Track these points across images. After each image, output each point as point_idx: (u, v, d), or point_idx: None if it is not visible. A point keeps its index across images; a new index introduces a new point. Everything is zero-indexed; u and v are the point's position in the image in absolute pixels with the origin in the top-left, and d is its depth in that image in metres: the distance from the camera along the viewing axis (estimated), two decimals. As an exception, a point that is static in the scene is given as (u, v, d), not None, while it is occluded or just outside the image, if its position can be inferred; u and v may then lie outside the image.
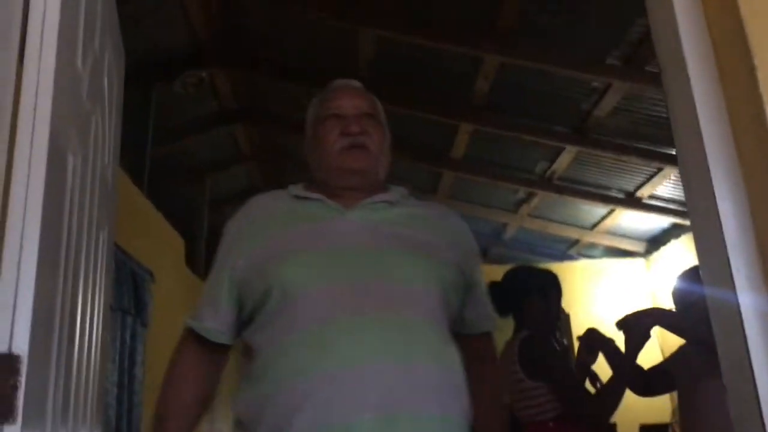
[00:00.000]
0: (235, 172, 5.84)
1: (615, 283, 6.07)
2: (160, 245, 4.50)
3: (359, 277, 1.16)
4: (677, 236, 5.52)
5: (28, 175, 1.01)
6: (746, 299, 0.86)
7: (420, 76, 4.31)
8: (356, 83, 1.43)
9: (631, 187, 5.05)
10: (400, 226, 1.26)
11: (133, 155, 4.44)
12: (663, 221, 5.43)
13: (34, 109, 1.00)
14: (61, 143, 1.11)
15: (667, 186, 4.88)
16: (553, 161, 4.82)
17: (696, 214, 0.97)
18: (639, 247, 6.03)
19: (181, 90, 4.51)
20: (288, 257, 1.19)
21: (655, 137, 4.29)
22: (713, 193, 0.90)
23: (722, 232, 0.88)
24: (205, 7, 3.96)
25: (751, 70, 0.86)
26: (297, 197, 1.30)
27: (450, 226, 1.35)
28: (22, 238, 0.99)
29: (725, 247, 0.88)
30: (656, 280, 5.90)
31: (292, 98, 4.61)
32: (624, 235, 5.88)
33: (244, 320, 1.26)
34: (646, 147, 4.42)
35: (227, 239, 1.31)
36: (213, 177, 5.60)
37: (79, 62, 1.25)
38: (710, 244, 0.92)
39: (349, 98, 1.36)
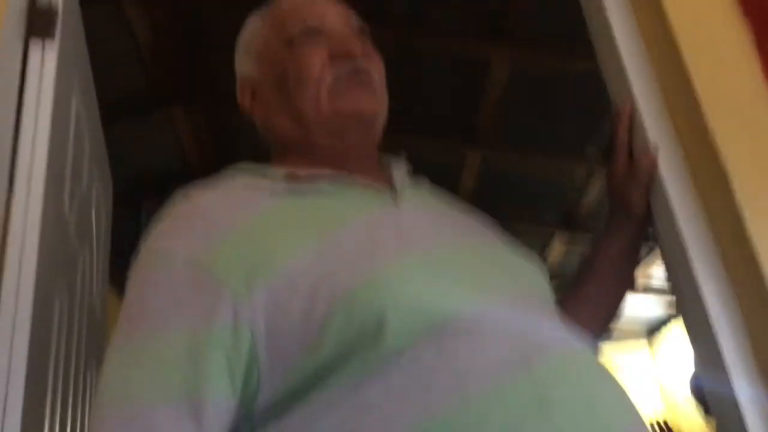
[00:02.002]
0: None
1: (619, 368, 5.95)
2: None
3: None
4: (677, 317, 5.48)
5: (14, 325, 0.99)
6: (744, 393, 0.84)
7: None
8: None
9: (625, 271, 5.04)
10: (458, 210, 0.89)
11: (123, 274, 4.44)
12: (661, 302, 5.40)
13: (20, 260, 1.00)
14: (47, 290, 1.10)
15: (660, 267, 4.88)
16: (545, 252, 4.83)
17: (684, 308, 0.96)
18: (641, 330, 5.96)
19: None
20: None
21: (642, 221, 4.34)
22: (698, 288, 0.89)
23: (711, 326, 0.88)
24: (195, 130, 4.07)
25: (721, 169, 0.89)
26: (293, 179, 0.77)
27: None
28: (7, 385, 0.97)
29: (717, 342, 0.87)
30: (660, 362, 5.80)
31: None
32: (624, 319, 5.83)
33: (266, 405, 0.65)
34: (635, 231, 4.45)
35: (185, 271, 0.67)
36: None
37: (66, 203, 1.27)
38: (702, 339, 0.91)
39: (332, 5, 0.88)
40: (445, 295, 0.66)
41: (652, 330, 5.91)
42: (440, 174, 4.31)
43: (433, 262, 0.71)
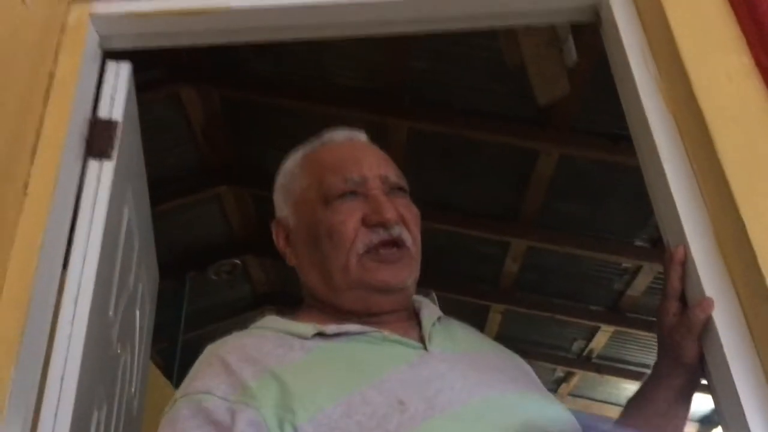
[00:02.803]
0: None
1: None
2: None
3: None
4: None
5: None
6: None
7: (449, 259, 4.36)
8: (364, 135, 0.96)
9: (673, 365, 4.87)
10: (489, 354, 0.88)
11: (166, 341, 4.48)
12: (711, 400, 5.14)
13: (62, 379, 1.01)
14: (87, 405, 1.10)
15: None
16: (589, 340, 4.70)
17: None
18: (691, 428, 5.67)
19: (214, 277, 4.62)
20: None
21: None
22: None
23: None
24: (241, 207, 4.17)
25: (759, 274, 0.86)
26: (322, 336, 0.78)
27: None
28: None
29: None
30: (713, 462, 5.47)
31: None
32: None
33: None
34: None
35: (222, 411, 0.68)
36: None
37: (111, 311, 1.28)
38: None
39: (372, 163, 0.87)
40: None
41: (703, 430, 5.61)
42: (484, 260, 4.25)
43: (459, 427, 0.71)
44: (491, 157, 3.44)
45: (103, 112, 1.21)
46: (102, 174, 1.16)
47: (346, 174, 0.85)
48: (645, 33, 1.13)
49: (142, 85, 1.52)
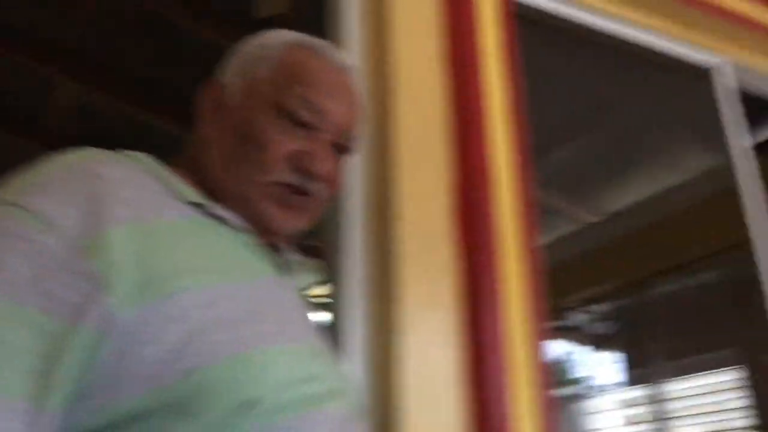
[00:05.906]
0: None
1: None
2: None
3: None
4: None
5: None
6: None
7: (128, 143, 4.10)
8: (349, 62, 0.85)
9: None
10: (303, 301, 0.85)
11: None
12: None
13: None
14: None
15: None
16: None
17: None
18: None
19: None
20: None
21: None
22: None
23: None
24: None
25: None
26: (200, 208, 0.71)
27: None
28: None
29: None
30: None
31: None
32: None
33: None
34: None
35: (67, 251, 0.56)
36: None
37: None
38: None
39: (343, 110, 0.79)
40: (310, 387, 0.66)
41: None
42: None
43: (300, 357, 0.69)
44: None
45: None
46: None
47: (313, 98, 0.76)
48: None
49: None
